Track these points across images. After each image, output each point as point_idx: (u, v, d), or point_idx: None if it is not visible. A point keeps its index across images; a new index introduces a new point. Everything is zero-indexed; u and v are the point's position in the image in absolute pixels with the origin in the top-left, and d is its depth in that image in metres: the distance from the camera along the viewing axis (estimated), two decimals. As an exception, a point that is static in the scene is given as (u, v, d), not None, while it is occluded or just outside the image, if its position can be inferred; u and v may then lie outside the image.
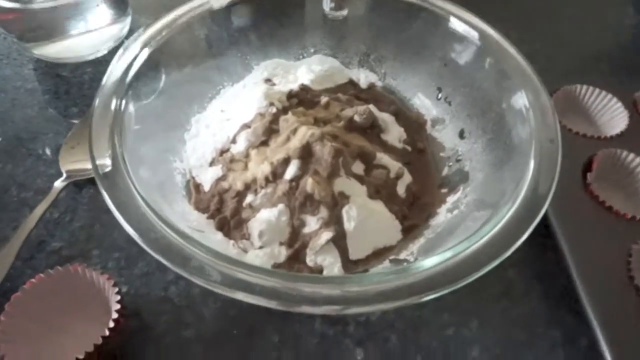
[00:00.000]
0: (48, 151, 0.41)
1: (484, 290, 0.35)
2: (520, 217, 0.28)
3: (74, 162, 0.39)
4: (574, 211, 0.37)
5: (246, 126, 0.36)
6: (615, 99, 0.44)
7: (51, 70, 0.48)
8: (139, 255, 0.36)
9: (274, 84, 0.40)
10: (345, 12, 0.45)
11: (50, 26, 0.45)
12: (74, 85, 0.47)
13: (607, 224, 0.36)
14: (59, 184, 0.38)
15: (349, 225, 0.32)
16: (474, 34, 0.36)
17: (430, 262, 0.26)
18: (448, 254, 0.26)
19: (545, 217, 0.37)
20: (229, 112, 0.38)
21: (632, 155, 0.40)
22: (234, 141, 0.36)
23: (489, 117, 0.35)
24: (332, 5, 0.45)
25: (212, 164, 0.36)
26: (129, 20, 0.51)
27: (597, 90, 0.45)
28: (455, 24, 0.37)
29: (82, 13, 0.45)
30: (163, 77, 0.37)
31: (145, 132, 0.34)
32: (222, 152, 0.36)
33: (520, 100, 0.32)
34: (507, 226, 0.27)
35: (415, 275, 0.26)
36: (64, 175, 0.38)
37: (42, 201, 0.36)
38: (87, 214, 0.38)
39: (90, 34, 0.47)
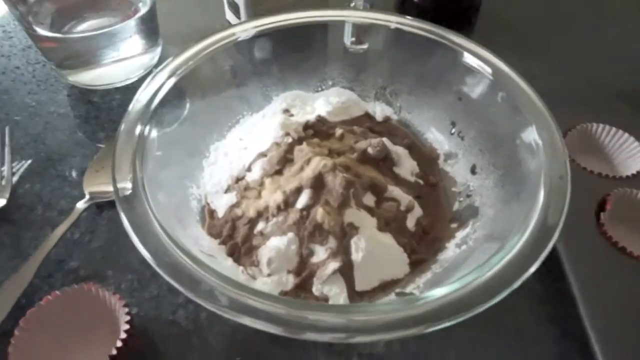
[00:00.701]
0: (74, 173, 0.43)
1: (494, 330, 0.35)
2: (529, 249, 0.27)
3: (97, 185, 0.40)
4: (587, 252, 0.37)
5: (262, 155, 0.37)
6: (632, 139, 0.44)
7: (83, 96, 0.51)
8: (151, 278, 0.36)
9: (291, 115, 0.42)
10: (365, 46, 0.46)
11: (86, 55, 0.48)
12: (103, 110, 0.49)
13: (621, 266, 0.36)
14: (81, 205, 0.39)
15: (356, 256, 0.32)
16: (487, 69, 0.37)
17: (437, 293, 0.26)
18: (455, 286, 0.26)
19: (558, 258, 0.37)
20: (247, 141, 0.39)
21: (649, 197, 0.39)
22: (249, 169, 0.37)
23: (501, 152, 0.35)
24: (353, 39, 0.47)
25: (227, 190, 0.37)
26: (159, 49, 0.54)
27: (614, 129, 0.44)
28: (469, 59, 0.37)
29: (116, 43, 0.48)
30: (187, 105, 0.39)
31: (166, 158, 0.35)
32: (238, 179, 0.37)
33: (531, 135, 0.32)
34: (516, 258, 0.27)
35: (422, 306, 0.25)
36: (87, 196, 0.40)
37: (64, 221, 0.38)
38: (105, 235, 0.39)
39: (122, 62, 0.50)
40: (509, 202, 0.33)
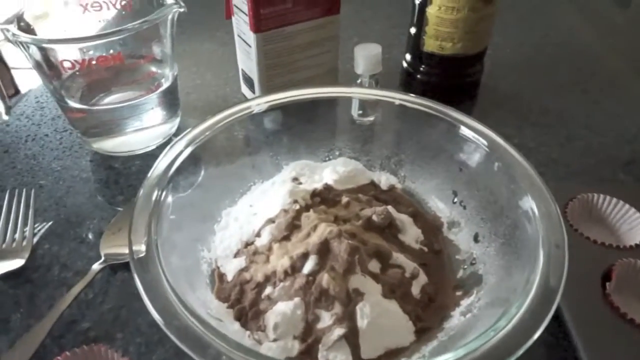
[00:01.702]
0: (91, 235, 0.45)
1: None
2: (532, 315, 0.28)
3: (113, 247, 0.42)
4: (594, 323, 0.37)
5: (271, 221, 0.39)
6: (633, 210, 0.45)
7: (105, 162, 0.54)
8: (159, 342, 0.37)
9: (300, 183, 0.44)
10: (372, 118, 0.49)
11: (110, 124, 0.51)
12: (123, 175, 0.52)
13: (628, 338, 0.35)
14: (96, 266, 0.41)
15: (362, 322, 0.33)
16: (482, 141, 0.39)
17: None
18: (461, 352, 0.26)
19: (566, 328, 0.37)
20: (257, 207, 0.41)
21: (653, 267, 0.39)
22: (258, 234, 0.38)
23: (501, 221, 0.37)
24: (360, 112, 0.50)
25: (236, 255, 0.38)
26: (178, 120, 0.57)
27: (615, 199, 0.46)
28: (465, 132, 0.40)
29: (139, 114, 0.51)
30: (202, 172, 0.41)
31: (180, 222, 0.37)
32: (247, 244, 0.38)
33: (527, 204, 0.34)
34: (519, 324, 0.27)
35: None
36: (102, 258, 0.41)
37: (79, 282, 0.39)
38: (117, 297, 0.40)
39: (143, 131, 0.53)
40: (510, 270, 0.33)
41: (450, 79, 0.64)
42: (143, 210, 0.33)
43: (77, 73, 0.48)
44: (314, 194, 0.41)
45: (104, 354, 0.32)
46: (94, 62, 0.46)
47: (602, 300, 0.38)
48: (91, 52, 0.45)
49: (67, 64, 0.45)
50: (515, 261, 0.33)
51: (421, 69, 0.65)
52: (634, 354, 0.34)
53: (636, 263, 0.40)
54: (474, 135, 0.39)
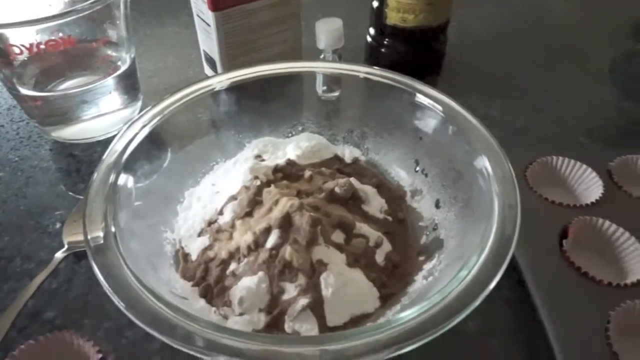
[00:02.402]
0: (53, 225, 0.44)
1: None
2: (488, 267, 0.29)
3: (76, 234, 0.41)
4: (552, 279, 0.38)
5: (233, 198, 0.39)
6: (590, 170, 0.46)
7: (65, 150, 0.52)
8: (127, 326, 0.37)
9: (263, 160, 0.44)
10: (337, 94, 0.49)
11: (67, 111, 0.50)
12: (84, 163, 0.51)
13: (585, 291, 0.37)
14: (59, 254, 0.40)
15: (326, 292, 0.33)
16: (437, 107, 0.39)
17: (405, 317, 0.27)
18: (425, 305, 0.27)
19: (526, 287, 0.38)
20: (219, 186, 0.41)
21: (607, 223, 0.41)
22: (221, 212, 0.38)
23: (460, 186, 0.37)
24: (325, 88, 0.50)
25: (200, 234, 0.38)
26: (139, 104, 0.56)
27: (572, 161, 0.47)
28: (422, 99, 0.40)
29: (96, 99, 0.50)
30: (161, 153, 0.41)
31: (141, 205, 0.36)
32: (210, 222, 0.38)
33: (482, 164, 0.35)
34: (477, 276, 0.28)
35: (392, 329, 0.26)
36: (66, 246, 0.41)
37: (42, 271, 0.38)
38: (83, 285, 0.40)
39: (103, 117, 0.52)
40: (468, 231, 0.34)
41: (415, 52, 0.64)
42: (98, 195, 0.33)
43: (28, 59, 0.46)
44: (276, 169, 0.41)
45: (68, 340, 0.32)
46: (42, 47, 0.44)
47: (560, 257, 0.39)
48: (39, 36, 0.44)
49: (15, 50, 0.44)
50: (472, 223, 0.34)
51: (385, 42, 0.64)
52: (588, 305, 0.36)
53: (592, 220, 0.41)
54: (430, 102, 0.40)
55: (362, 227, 0.38)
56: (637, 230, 0.40)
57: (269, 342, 0.26)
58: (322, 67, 0.47)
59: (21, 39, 0.44)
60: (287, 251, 0.33)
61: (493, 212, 0.31)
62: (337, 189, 0.39)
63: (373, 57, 0.67)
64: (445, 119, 0.39)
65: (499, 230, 0.30)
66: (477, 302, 0.27)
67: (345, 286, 0.34)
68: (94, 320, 0.37)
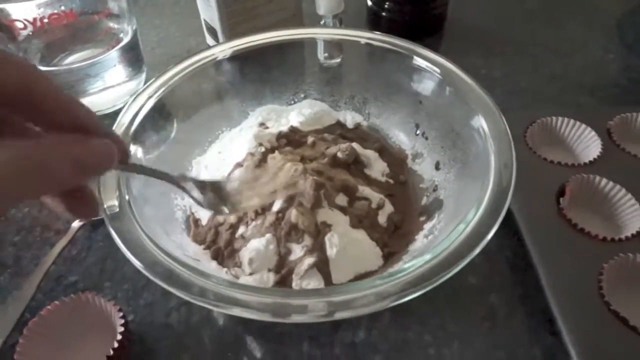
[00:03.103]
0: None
1: (466, 315, 0.37)
2: (485, 219, 0.30)
3: (91, 204, 0.43)
4: (549, 235, 0.39)
5: (239, 165, 0.40)
6: (589, 129, 0.47)
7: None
8: (145, 286, 0.39)
9: (267, 127, 0.45)
10: (339, 60, 0.50)
11: (73, 85, 0.51)
12: (94, 136, 0.52)
13: (580, 246, 0.38)
14: (76, 224, 0.42)
15: (331, 251, 0.35)
16: (435, 69, 0.40)
17: (409, 267, 0.28)
18: (427, 257, 0.28)
19: (523, 242, 0.39)
20: (225, 154, 0.42)
21: (604, 181, 0.42)
22: (228, 179, 0.40)
23: (459, 147, 0.38)
24: (326, 54, 0.50)
25: None
26: (144, 76, 0.57)
27: (572, 121, 0.47)
28: (419, 61, 0.41)
29: (101, 73, 0.51)
30: (167, 124, 0.42)
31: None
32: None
33: (478, 123, 0.35)
34: (475, 228, 0.30)
35: (395, 280, 0.28)
36: (82, 215, 0.43)
37: (61, 240, 0.41)
38: (101, 251, 0.42)
39: (109, 90, 0.53)
40: (467, 190, 0.35)
41: (416, 14, 0.64)
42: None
43: (32, 34, 0.47)
44: (280, 136, 0.42)
45: (91, 300, 0.34)
46: (46, 21, 0.45)
47: (557, 215, 0.41)
48: (41, 10, 0.44)
49: (19, 24, 0.44)
50: (471, 182, 0.35)
51: (386, 6, 0.64)
52: (582, 259, 0.37)
53: (589, 178, 0.42)
54: (428, 65, 0.40)
55: (365, 190, 0.39)
56: (633, 186, 0.41)
57: (278, 295, 0.28)
58: (322, 33, 0.47)
59: (24, 14, 0.44)
60: (293, 214, 0.35)
61: (490, 169, 0.32)
62: (339, 154, 0.41)
63: (374, 21, 0.67)
64: (442, 80, 0.39)
65: (495, 186, 0.31)
66: (475, 252, 0.29)
67: (349, 245, 0.36)
68: (113, 283, 0.40)
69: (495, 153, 0.33)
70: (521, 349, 0.35)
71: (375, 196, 0.40)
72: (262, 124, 0.45)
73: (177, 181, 0.32)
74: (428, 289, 0.28)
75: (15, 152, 0.18)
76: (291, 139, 0.43)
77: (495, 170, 0.32)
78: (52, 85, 0.20)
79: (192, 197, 0.33)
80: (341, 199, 0.38)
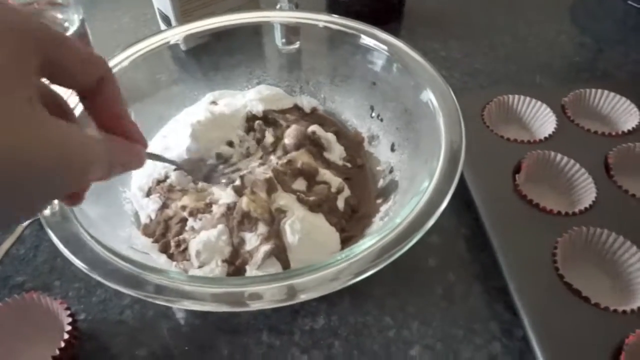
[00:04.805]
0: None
1: (425, 294, 0.38)
2: (437, 191, 0.30)
3: (38, 201, 0.41)
4: (504, 212, 0.40)
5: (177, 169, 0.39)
6: (544, 106, 0.47)
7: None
8: (98, 284, 0.38)
9: (216, 104, 0.43)
10: (297, 45, 0.49)
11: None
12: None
13: (535, 221, 0.39)
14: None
15: (293, 238, 0.34)
16: (382, 46, 0.40)
17: (363, 246, 0.28)
18: (385, 231, 0.28)
19: (480, 222, 0.39)
20: (169, 140, 0.40)
21: (559, 156, 0.42)
22: (168, 176, 0.39)
23: (411, 127, 0.38)
24: (284, 40, 0.49)
25: (148, 193, 0.38)
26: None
27: (528, 98, 0.48)
28: (367, 40, 0.40)
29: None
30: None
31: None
32: (159, 181, 0.38)
33: (428, 99, 0.35)
34: (428, 199, 0.30)
35: (352, 258, 0.27)
36: (29, 213, 0.41)
37: (7, 239, 0.39)
38: (50, 249, 0.40)
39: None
40: (419, 168, 0.35)
41: (375, 1, 0.63)
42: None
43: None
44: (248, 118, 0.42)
45: (36, 300, 0.33)
46: (-19, 11, 0.42)
47: (512, 191, 0.41)
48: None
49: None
50: (423, 160, 0.34)
51: (345, -11, 0.63)
52: (537, 233, 0.37)
53: (544, 154, 0.42)
54: (376, 43, 0.40)
55: (325, 174, 0.39)
56: (587, 161, 0.41)
57: (234, 284, 0.27)
58: (278, 17, 0.46)
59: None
60: (244, 201, 0.34)
61: (441, 141, 0.32)
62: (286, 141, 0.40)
63: (333, 7, 0.66)
64: (390, 57, 0.39)
65: (446, 154, 0.31)
66: (431, 222, 0.28)
67: (308, 232, 0.35)
68: (63, 282, 0.38)
69: (445, 126, 0.33)
70: (479, 324, 0.36)
71: (335, 180, 0.39)
72: (213, 102, 0.44)
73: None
74: (387, 262, 0.27)
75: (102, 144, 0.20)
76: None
77: (446, 142, 0.32)
78: (77, 49, 0.20)
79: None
80: (300, 184, 0.38)
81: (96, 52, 0.22)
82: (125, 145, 0.23)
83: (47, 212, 0.30)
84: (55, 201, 0.31)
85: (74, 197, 0.23)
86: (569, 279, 0.35)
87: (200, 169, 0.38)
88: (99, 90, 0.22)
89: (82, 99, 0.22)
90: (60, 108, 0.22)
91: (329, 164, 0.41)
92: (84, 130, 0.19)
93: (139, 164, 0.25)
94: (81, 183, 0.20)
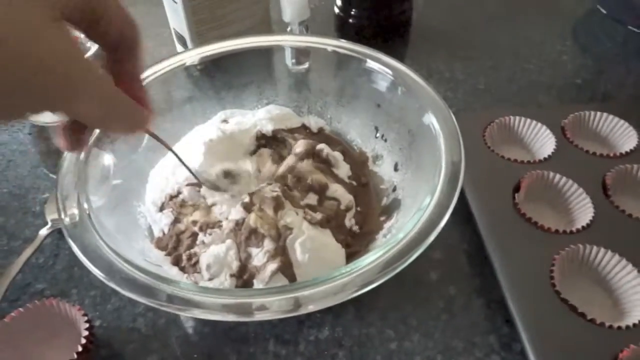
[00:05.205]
0: (36, 205, 0.47)
1: (426, 307, 0.39)
2: (439, 207, 0.32)
3: (58, 212, 0.44)
4: (504, 229, 0.41)
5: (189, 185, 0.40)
6: (544, 127, 0.48)
7: (44, 133, 0.54)
8: (113, 292, 0.40)
9: (227, 122, 0.45)
10: (306, 66, 0.51)
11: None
12: (62, 145, 0.53)
13: (533, 238, 0.40)
14: (43, 231, 0.42)
15: (299, 255, 0.35)
16: (387, 70, 0.42)
17: (367, 260, 0.29)
18: (389, 245, 0.30)
19: (480, 239, 0.41)
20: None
21: (558, 176, 0.43)
22: (180, 191, 0.40)
23: (414, 147, 0.40)
24: (294, 61, 0.51)
25: (162, 208, 0.40)
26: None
27: (529, 120, 0.49)
28: (372, 64, 0.42)
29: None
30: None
31: (115, 183, 0.39)
32: (172, 197, 0.40)
33: (430, 123, 0.37)
34: (430, 215, 0.31)
35: (356, 272, 0.29)
36: (49, 223, 0.43)
37: (28, 247, 0.41)
38: (68, 258, 0.42)
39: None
40: (421, 188, 0.36)
41: (381, 19, 0.66)
42: (69, 174, 0.35)
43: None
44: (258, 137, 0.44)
45: (55, 306, 0.34)
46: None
47: (512, 209, 0.42)
48: None
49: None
50: (424, 179, 0.36)
51: (352, 12, 0.66)
52: (535, 250, 0.39)
53: (543, 174, 0.44)
54: (381, 67, 0.42)
55: (337, 191, 0.40)
56: (585, 181, 0.43)
57: (241, 295, 0.29)
58: (288, 40, 0.49)
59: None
60: (252, 218, 0.36)
61: (441, 164, 0.34)
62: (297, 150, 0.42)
63: (341, 27, 0.68)
64: (394, 81, 0.41)
65: (446, 177, 0.33)
66: (434, 235, 0.30)
67: (317, 249, 0.36)
68: (80, 289, 0.40)
69: (446, 147, 0.35)
70: (478, 337, 0.37)
71: (345, 198, 0.41)
72: (224, 121, 0.46)
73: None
74: (391, 275, 0.29)
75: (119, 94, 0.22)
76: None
77: (447, 162, 0.34)
78: (119, 5, 0.22)
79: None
80: (310, 198, 0.39)
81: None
82: (133, 103, 0.24)
83: (67, 221, 0.32)
84: (76, 211, 0.33)
85: (75, 142, 0.25)
86: (566, 295, 0.36)
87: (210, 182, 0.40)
88: (128, 53, 0.23)
89: (109, 55, 0.23)
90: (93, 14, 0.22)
91: (337, 180, 0.43)
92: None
93: (140, 124, 0.26)
94: (65, 103, 0.21)
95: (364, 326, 0.38)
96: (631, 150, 0.46)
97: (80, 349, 0.32)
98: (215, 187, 0.40)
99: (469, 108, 0.56)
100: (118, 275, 0.30)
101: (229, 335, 0.37)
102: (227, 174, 0.42)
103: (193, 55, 0.46)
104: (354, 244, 0.39)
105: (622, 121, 0.48)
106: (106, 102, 0.22)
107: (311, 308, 0.29)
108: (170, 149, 0.37)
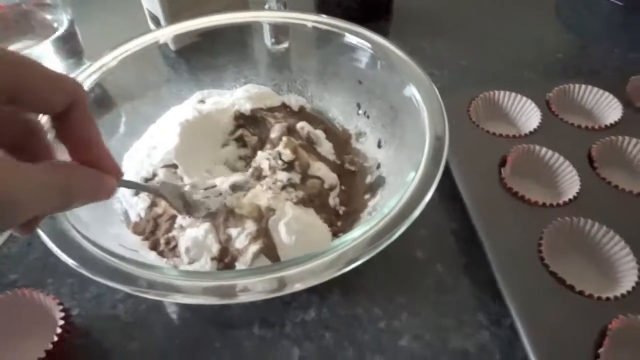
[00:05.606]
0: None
1: (414, 286, 0.38)
2: (422, 183, 0.31)
3: (30, 200, 0.42)
4: (491, 204, 0.40)
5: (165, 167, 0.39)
6: (529, 101, 0.48)
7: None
8: (91, 280, 0.38)
9: (204, 102, 0.44)
10: (286, 45, 0.49)
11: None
12: (34, 131, 0.50)
13: (520, 212, 0.39)
14: (15, 221, 0.41)
15: (284, 236, 0.34)
16: (366, 44, 0.40)
17: (353, 235, 0.28)
18: (374, 221, 0.29)
19: (467, 215, 0.40)
20: (156, 139, 0.41)
21: (544, 149, 0.43)
22: (156, 174, 0.39)
23: (396, 123, 0.39)
24: (273, 40, 0.49)
25: (137, 192, 0.38)
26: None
27: (513, 94, 0.48)
28: (351, 38, 0.41)
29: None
30: (104, 111, 0.40)
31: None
32: (147, 179, 0.39)
33: (411, 95, 0.36)
34: (415, 189, 0.30)
35: (342, 248, 0.28)
36: (20, 212, 0.41)
37: (-1, 237, 0.39)
38: (43, 247, 0.40)
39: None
40: (405, 164, 0.35)
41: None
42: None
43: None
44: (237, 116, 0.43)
45: (28, 296, 0.33)
46: (-29, 13, 0.43)
47: (498, 184, 0.42)
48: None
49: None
50: (408, 158, 0.35)
51: (332, -10, 0.64)
52: (523, 224, 0.38)
53: (528, 147, 0.43)
54: (359, 41, 0.40)
55: (320, 170, 0.39)
56: (571, 154, 0.42)
57: (223, 277, 0.28)
58: (266, 17, 0.47)
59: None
60: (228, 200, 0.35)
61: (425, 137, 0.33)
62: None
63: (322, 7, 0.66)
64: (374, 55, 0.40)
65: (430, 151, 0.32)
66: (416, 214, 0.29)
67: (302, 230, 0.35)
68: (56, 279, 0.39)
69: (429, 120, 0.34)
70: (467, 315, 0.36)
71: (329, 176, 0.39)
72: (201, 101, 0.44)
73: (160, 192, 0.32)
74: (377, 251, 0.28)
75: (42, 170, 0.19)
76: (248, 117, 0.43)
77: (430, 135, 0.33)
78: (44, 73, 0.20)
79: (172, 205, 0.33)
80: (293, 176, 0.38)
81: (70, 77, 0.21)
82: (91, 175, 0.22)
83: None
84: None
85: (24, 228, 0.22)
86: (554, 268, 0.36)
87: (178, 194, 0.35)
88: (69, 116, 0.21)
89: (54, 124, 0.21)
90: (32, 136, 0.21)
91: (321, 158, 0.42)
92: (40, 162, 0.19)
93: (106, 194, 0.24)
94: (17, 219, 0.18)
95: (350, 306, 0.37)
96: (616, 122, 0.46)
97: (55, 338, 0.31)
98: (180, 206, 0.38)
99: (455, 85, 0.55)
100: (91, 263, 0.29)
101: (213, 320, 0.36)
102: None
103: (167, 33, 0.44)
104: (339, 223, 0.38)
105: (606, 93, 0.48)
106: (59, 191, 0.20)
107: (297, 287, 0.28)
108: (157, 192, 0.33)
